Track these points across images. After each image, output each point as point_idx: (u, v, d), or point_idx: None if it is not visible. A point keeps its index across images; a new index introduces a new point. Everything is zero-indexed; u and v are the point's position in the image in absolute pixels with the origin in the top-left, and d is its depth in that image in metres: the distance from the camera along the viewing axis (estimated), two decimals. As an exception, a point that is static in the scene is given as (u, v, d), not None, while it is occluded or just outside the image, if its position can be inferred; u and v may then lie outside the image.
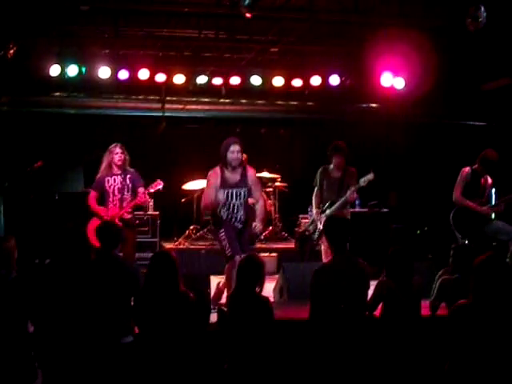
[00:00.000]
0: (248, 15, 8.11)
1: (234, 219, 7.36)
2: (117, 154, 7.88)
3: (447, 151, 12.28)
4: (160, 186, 8.04)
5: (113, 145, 8.01)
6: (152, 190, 8.07)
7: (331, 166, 8.41)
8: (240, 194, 7.32)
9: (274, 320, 5.15)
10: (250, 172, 7.46)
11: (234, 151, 7.25)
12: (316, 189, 8.40)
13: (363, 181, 8.05)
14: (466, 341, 4.45)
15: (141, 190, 7.91)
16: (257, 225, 7.39)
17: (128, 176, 7.90)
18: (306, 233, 8.57)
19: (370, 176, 8.01)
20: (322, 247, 8.22)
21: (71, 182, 12.56)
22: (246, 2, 7.87)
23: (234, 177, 7.33)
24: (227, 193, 7.28)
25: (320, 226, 8.15)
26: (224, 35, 10.59)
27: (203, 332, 5.82)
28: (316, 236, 8.35)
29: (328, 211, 8.15)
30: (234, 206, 7.32)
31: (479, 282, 4.47)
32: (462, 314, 4.48)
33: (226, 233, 7.27)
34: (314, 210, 8.36)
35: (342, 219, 5.70)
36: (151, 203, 10.70)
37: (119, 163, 7.89)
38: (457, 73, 11.75)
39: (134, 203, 7.88)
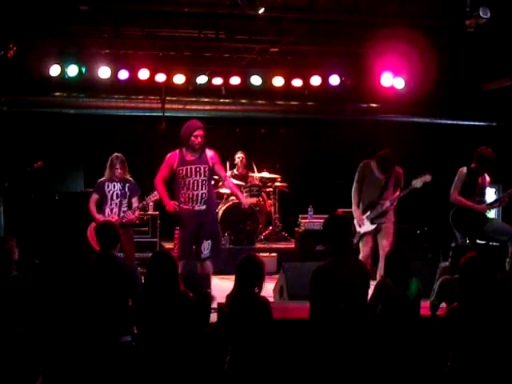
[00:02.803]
0: (260, 11, 7.99)
1: (194, 200, 7.47)
2: (117, 169, 8.20)
3: (447, 151, 12.28)
4: (156, 198, 8.24)
5: (114, 156, 8.28)
6: (149, 202, 8.44)
7: (376, 164, 7.98)
8: (200, 169, 7.51)
9: (272, 320, 5.14)
10: (210, 152, 7.66)
11: (198, 136, 7.53)
12: (355, 185, 8.03)
13: (418, 182, 7.76)
14: (461, 342, 4.47)
15: (134, 200, 8.23)
16: (243, 202, 7.97)
17: (127, 185, 8.25)
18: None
19: (427, 177, 7.76)
20: (361, 254, 7.92)
21: (71, 182, 12.56)
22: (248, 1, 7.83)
23: (191, 155, 7.57)
24: (186, 169, 7.50)
25: (360, 230, 7.92)
26: (224, 35, 10.59)
27: (203, 332, 5.82)
28: (356, 240, 7.92)
29: (370, 214, 7.90)
30: (193, 182, 7.50)
31: (464, 283, 4.51)
32: (454, 317, 4.49)
33: (181, 234, 7.58)
34: (356, 211, 7.97)
35: (342, 218, 5.67)
36: (151, 203, 10.69)
37: (118, 176, 8.22)
38: (457, 73, 11.76)
39: (127, 220, 8.13)
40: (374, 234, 7.99)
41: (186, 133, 7.55)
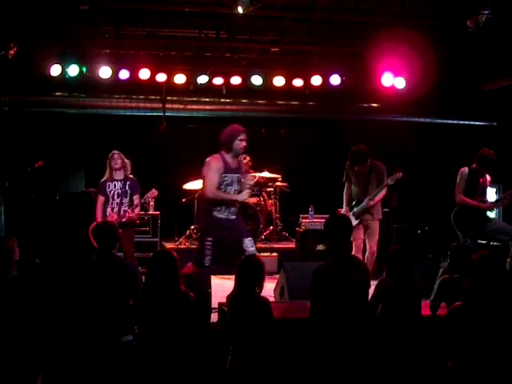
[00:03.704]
0: (240, 11, 7.99)
1: (230, 210, 7.25)
2: (114, 159, 8.25)
3: (447, 151, 12.29)
4: (155, 195, 8.39)
5: (112, 153, 8.35)
6: (148, 201, 8.63)
7: None
8: (240, 178, 7.29)
9: (273, 320, 5.15)
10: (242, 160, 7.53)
11: (243, 140, 7.25)
12: (346, 184, 8.39)
13: (390, 179, 8.07)
14: (463, 341, 4.46)
15: (136, 198, 8.26)
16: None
17: (128, 183, 8.28)
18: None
19: (399, 174, 8.04)
20: (354, 244, 8.11)
21: (72, 181, 12.59)
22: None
23: (233, 162, 7.30)
24: (231, 177, 7.23)
25: None
26: (225, 35, 10.58)
27: (203, 332, 5.83)
28: None
29: (355, 210, 8.17)
30: (234, 192, 7.26)
31: (474, 280, 4.48)
32: (457, 316, 4.48)
33: (214, 244, 7.20)
34: (344, 208, 8.30)
35: (343, 218, 5.69)
36: (152, 203, 10.73)
37: (116, 166, 8.24)
38: (457, 73, 11.76)
39: (127, 218, 8.12)
40: (364, 230, 8.22)
41: (230, 137, 7.22)
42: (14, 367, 5.28)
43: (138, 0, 9.31)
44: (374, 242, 8.18)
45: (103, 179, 8.33)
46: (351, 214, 8.17)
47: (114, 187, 8.25)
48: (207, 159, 7.29)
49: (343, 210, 8.26)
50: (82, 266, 5.75)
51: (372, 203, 8.13)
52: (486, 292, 4.43)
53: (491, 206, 8.29)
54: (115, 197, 8.23)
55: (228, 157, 7.25)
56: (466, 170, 8.13)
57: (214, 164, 7.21)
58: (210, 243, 7.20)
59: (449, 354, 4.60)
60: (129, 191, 8.25)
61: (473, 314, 4.43)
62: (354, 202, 8.24)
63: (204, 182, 7.34)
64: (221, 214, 7.26)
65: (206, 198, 7.34)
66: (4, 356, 5.28)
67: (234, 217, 7.34)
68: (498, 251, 8.22)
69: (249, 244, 7.30)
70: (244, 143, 7.24)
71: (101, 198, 8.26)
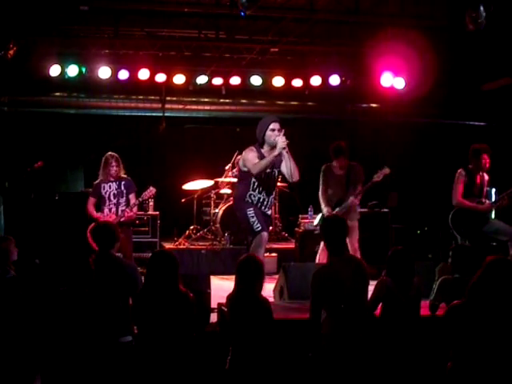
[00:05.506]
0: (245, 13, 8.01)
1: (264, 204, 6.94)
2: (112, 166, 8.17)
3: (447, 151, 12.29)
4: (152, 193, 8.33)
5: (109, 155, 8.26)
6: (146, 198, 8.45)
7: (334, 163, 8.37)
8: (275, 173, 6.93)
9: (273, 320, 5.15)
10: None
11: (275, 129, 6.88)
12: (321, 187, 8.35)
13: (377, 176, 8.09)
14: (464, 340, 4.45)
15: (131, 197, 8.20)
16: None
17: (123, 183, 8.23)
18: (315, 232, 8.30)
19: (386, 170, 8.10)
20: (320, 246, 8.15)
21: (71, 182, 12.59)
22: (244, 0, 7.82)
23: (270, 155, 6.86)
24: (264, 173, 6.85)
25: None
26: (224, 35, 10.60)
27: (203, 332, 5.83)
28: None
29: (338, 209, 8.14)
30: (268, 185, 6.92)
31: (486, 281, 4.45)
32: (458, 314, 4.47)
33: (255, 211, 6.81)
34: (325, 209, 8.21)
35: (339, 219, 5.68)
36: (151, 203, 10.72)
37: (114, 174, 8.17)
38: (457, 73, 11.76)
39: (125, 218, 8.08)
40: None
41: (261, 129, 6.88)
42: (12, 368, 5.28)
43: (138, 0, 9.32)
44: (355, 239, 8.10)
45: (97, 181, 8.28)
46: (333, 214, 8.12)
47: (110, 188, 8.21)
48: (242, 154, 7.01)
49: (325, 211, 8.19)
50: (82, 266, 5.75)
51: (357, 201, 8.24)
52: (495, 294, 4.41)
53: (490, 207, 8.23)
54: (112, 198, 8.19)
55: (264, 151, 6.88)
56: (462, 171, 8.11)
57: (249, 153, 6.86)
58: (252, 211, 6.81)
59: (448, 353, 4.59)
60: (124, 191, 8.21)
61: (476, 313, 4.41)
62: (334, 204, 8.21)
63: (247, 165, 6.89)
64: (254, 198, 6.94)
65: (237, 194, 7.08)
66: (2, 356, 5.28)
67: (269, 212, 7.04)
68: (497, 252, 8.21)
69: None
70: (276, 133, 6.81)
71: (92, 200, 8.22)
